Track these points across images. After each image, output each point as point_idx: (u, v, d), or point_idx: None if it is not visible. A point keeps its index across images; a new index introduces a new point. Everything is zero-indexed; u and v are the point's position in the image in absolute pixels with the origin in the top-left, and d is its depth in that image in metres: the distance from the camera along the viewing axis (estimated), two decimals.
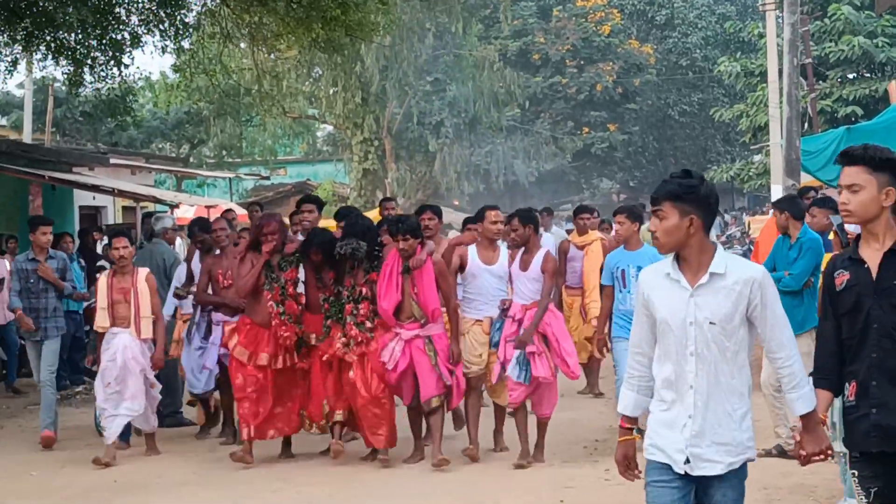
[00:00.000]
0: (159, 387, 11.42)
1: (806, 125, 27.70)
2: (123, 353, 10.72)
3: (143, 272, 11.12)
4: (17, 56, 17.54)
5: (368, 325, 10.19)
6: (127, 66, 17.27)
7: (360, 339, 10.13)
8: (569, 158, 54.59)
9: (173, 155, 41.80)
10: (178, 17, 16.82)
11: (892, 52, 36.42)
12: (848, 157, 5.23)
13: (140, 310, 10.84)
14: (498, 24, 50.23)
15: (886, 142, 23.72)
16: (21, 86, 34.18)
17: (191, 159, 41.96)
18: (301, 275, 10.74)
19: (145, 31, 16.90)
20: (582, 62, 53.73)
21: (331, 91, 43.75)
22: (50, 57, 17.13)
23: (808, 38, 31.60)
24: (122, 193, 24.33)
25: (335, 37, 17.39)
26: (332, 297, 10.42)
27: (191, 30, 17.67)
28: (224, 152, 46.10)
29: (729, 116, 45.25)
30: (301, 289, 10.83)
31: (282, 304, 10.45)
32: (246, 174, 42.43)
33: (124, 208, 26.98)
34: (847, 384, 5.19)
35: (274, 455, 11.07)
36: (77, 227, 21.97)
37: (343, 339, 10.21)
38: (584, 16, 53.96)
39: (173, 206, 26.09)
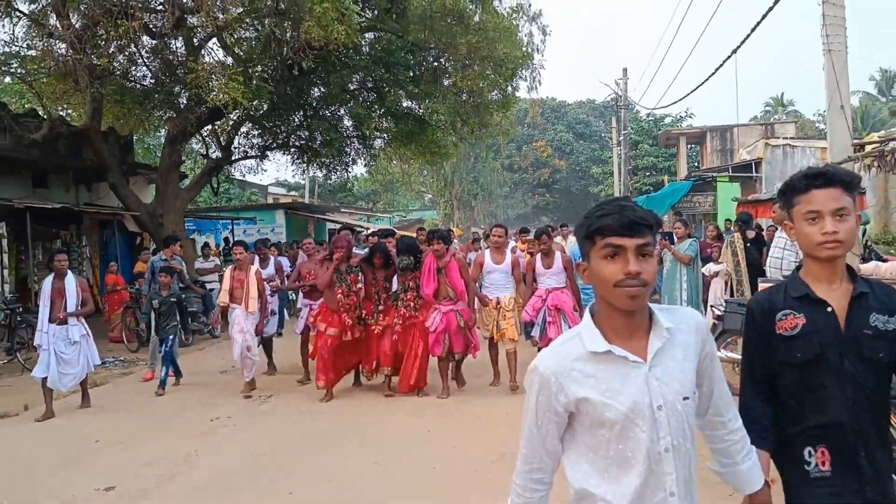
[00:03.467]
0: (256, 349, 8.09)
1: (630, 195, 27.57)
2: (237, 322, 7.95)
3: (254, 268, 8.11)
4: (303, 168, 17.73)
5: (413, 305, 7.49)
6: (349, 171, 17.22)
7: (408, 315, 7.48)
8: (529, 208, 54.10)
9: (365, 207, 41.87)
10: (369, 149, 16.78)
11: (665, 163, 35.92)
12: (824, 178, 1.92)
13: (249, 293, 7.91)
14: (501, 153, 49.76)
15: (660, 204, 22.57)
16: (302, 177, 34.80)
17: (372, 208, 42.31)
18: (360, 277, 7.87)
19: (357, 154, 16.84)
20: (535, 168, 53.06)
21: (430, 179, 43.72)
22: (315, 166, 16.97)
23: (630, 158, 31.31)
24: (345, 224, 24.64)
25: (434, 159, 17.42)
26: (383, 290, 7.66)
27: (374, 155, 17.52)
28: (386, 206, 46.28)
29: (597, 190, 44.37)
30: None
31: (347, 297, 7.63)
32: (395, 214, 43.09)
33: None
34: (811, 448, 1.93)
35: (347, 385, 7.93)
36: (327, 239, 21.86)
37: (397, 318, 7.54)
38: (537, 149, 53.47)
39: (367, 228, 26.58)
